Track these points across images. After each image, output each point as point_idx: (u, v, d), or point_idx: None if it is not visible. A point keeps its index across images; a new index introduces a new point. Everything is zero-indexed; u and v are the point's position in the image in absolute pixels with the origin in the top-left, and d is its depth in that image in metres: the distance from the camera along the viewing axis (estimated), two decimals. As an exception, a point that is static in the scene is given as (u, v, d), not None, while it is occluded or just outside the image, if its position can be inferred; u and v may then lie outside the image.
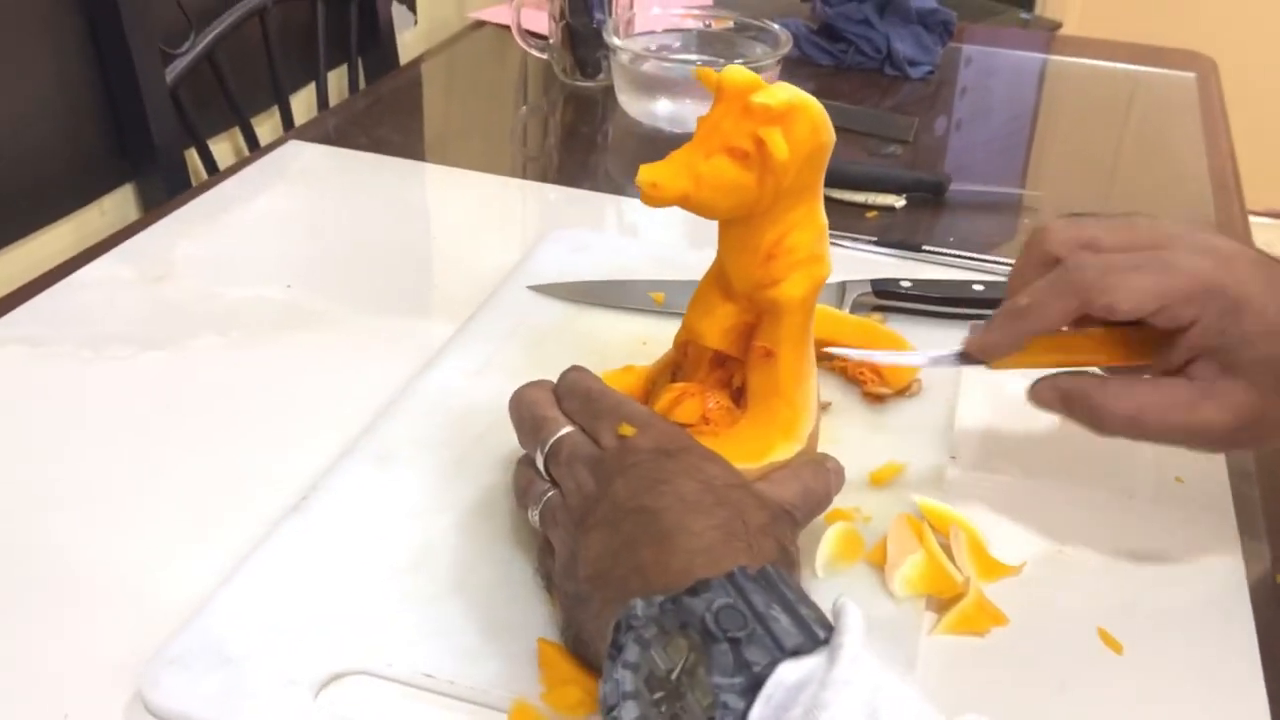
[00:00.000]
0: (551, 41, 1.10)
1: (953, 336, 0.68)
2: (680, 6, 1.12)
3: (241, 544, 0.51)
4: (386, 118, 1.05)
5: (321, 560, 0.50)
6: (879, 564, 0.50)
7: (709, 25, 1.11)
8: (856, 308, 0.70)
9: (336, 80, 1.21)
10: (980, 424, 0.62)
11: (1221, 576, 0.53)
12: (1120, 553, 0.54)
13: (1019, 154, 1.06)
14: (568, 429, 0.48)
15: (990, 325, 0.51)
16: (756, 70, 1.01)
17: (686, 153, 0.47)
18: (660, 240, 0.83)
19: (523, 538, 0.51)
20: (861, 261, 0.79)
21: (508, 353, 0.65)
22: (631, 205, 0.90)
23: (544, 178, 0.95)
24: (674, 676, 0.34)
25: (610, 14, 1.06)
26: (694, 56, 1.06)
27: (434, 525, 0.52)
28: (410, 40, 1.33)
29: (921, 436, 0.60)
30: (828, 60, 1.19)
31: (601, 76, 1.10)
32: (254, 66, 1.06)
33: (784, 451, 0.50)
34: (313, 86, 1.15)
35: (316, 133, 0.99)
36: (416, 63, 1.20)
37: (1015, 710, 0.45)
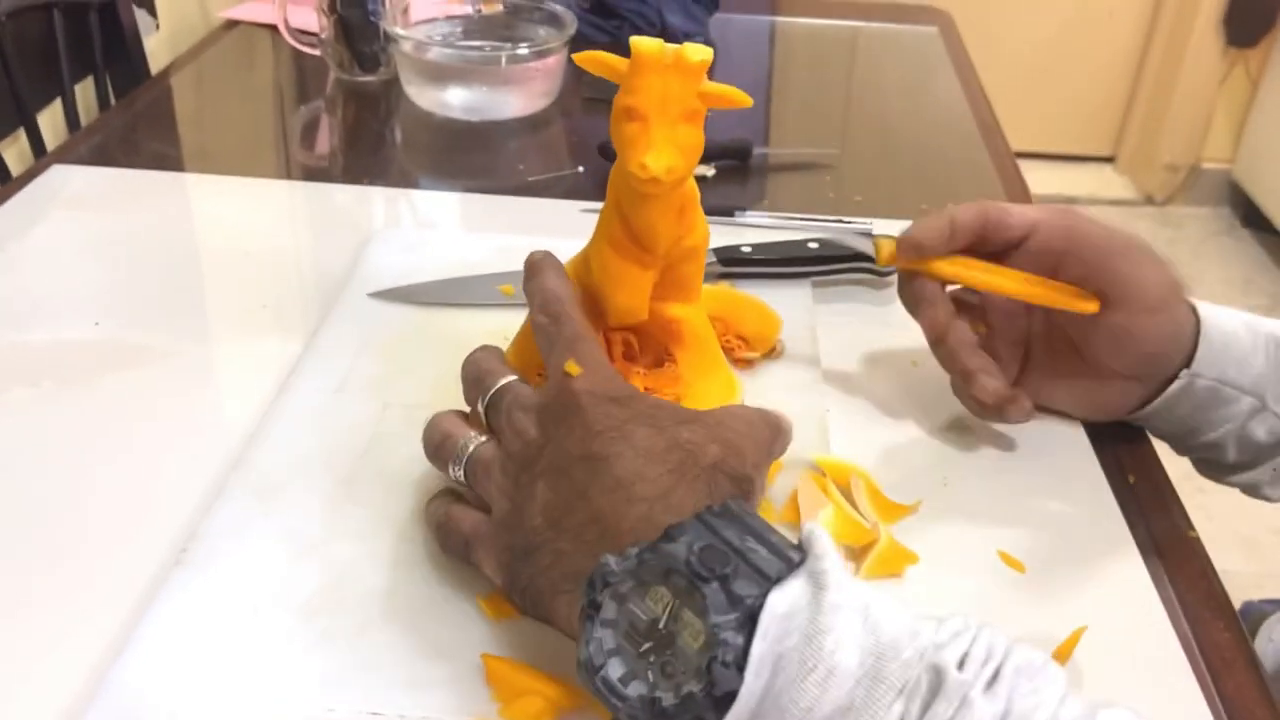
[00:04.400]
0: (323, 37, 1.05)
1: (798, 295, 0.71)
2: (444, -10, 1.10)
3: (128, 609, 0.47)
4: (153, 131, 0.97)
5: (224, 610, 0.46)
6: (793, 522, 0.52)
7: (479, 11, 1.09)
8: (706, 278, 0.70)
9: (82, 94, 1.11)
10: (842, 378, 0.64)
11: (1087, 485, 0.57)
12: (996, 477, 0.57)
13: (804, 115, 1.10)
14: (510, 378, 0.48)
15: (914, 226, 0.57)
16: (546, 53, 1.00)
17: (659, 129, 0.46)
18: (486, 230, 0.81)
19: (443, 553, 0.49)
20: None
21: (365, 365, 0.62)
22: (428, 200, 0.87)
23: (334, 178, 0.91)
24: (660, 625, 0.35)
25: (385, 3, 1.02)
26: (479, 42, 1.04)
27: (337, 556, 0.49)
28: (154, 46, 1.23)
29: (795, 395, 0.61)
30: (604, 38, 1.19)
31: (383, 70, 1.06)
32: (-8, 87, 0.95)
33: (738, 392, 0.54)
34: (58, 104, 1.04)
35: (78, 154, 0.90)
36: (170, 70, 1.11)
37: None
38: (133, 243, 0.76)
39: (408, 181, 0.91)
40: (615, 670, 0.35)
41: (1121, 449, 0.60)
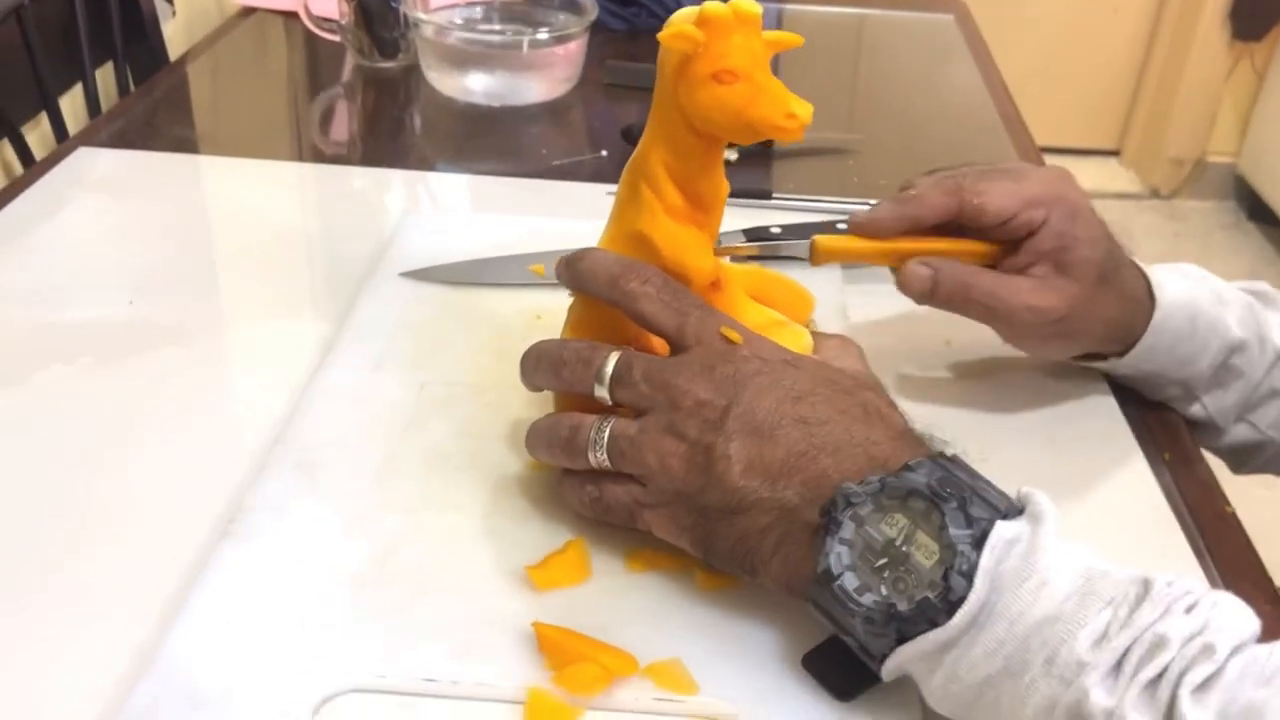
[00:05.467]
0: (343, 22, 1.05)
1: (828, 274, 0.71)
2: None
3: (176, 582, 0.47)
4: (173, 117, 0.97)
5: (274, 581, 0.46)
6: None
7: (498, -5, 1.09)
8: (735, 259, 0.71)
9: (102, 79, 1.11)
10: (874, 357, 0.64)
11: (1124, 461, 0.57)
12: (1033, 453, 0.57)
13: (823, 101, 1.10)
14: (620, 349, 0.47)
15: (878, 206, 0.56)
16: (567, 39, 1.00)
17: (770, 80, 0.47)
18: (513, 211, 0.81)
19: (488, 526, 0.50)
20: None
21: (401, 343, 0.62)
22: (445, 183, 0.87)
23: (354, 164, 0.91)
24: (898, 545, 0.39)
25: (404, -11, 1.02)
26: (499, 27, 1.04)
27: (384, 529, 0.49)
28: (171, 32, 1.23)
29: (829, 373, 0.61)
30: (620, 25, 1.19)
31: (403, 55, 1.06)
32: (16, 71, 0.95)
33: (806, 334, 0.53)
34: (79, 88, 1.05)
35: (99, 139, 0.90)
36: (188, 57, 1.11)
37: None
38: (161, 225, 0.76)
39: (428, 167, 0.91)
40: (850, 582, 0.40)
41: (1155, 425, 0.61)
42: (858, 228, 0.56)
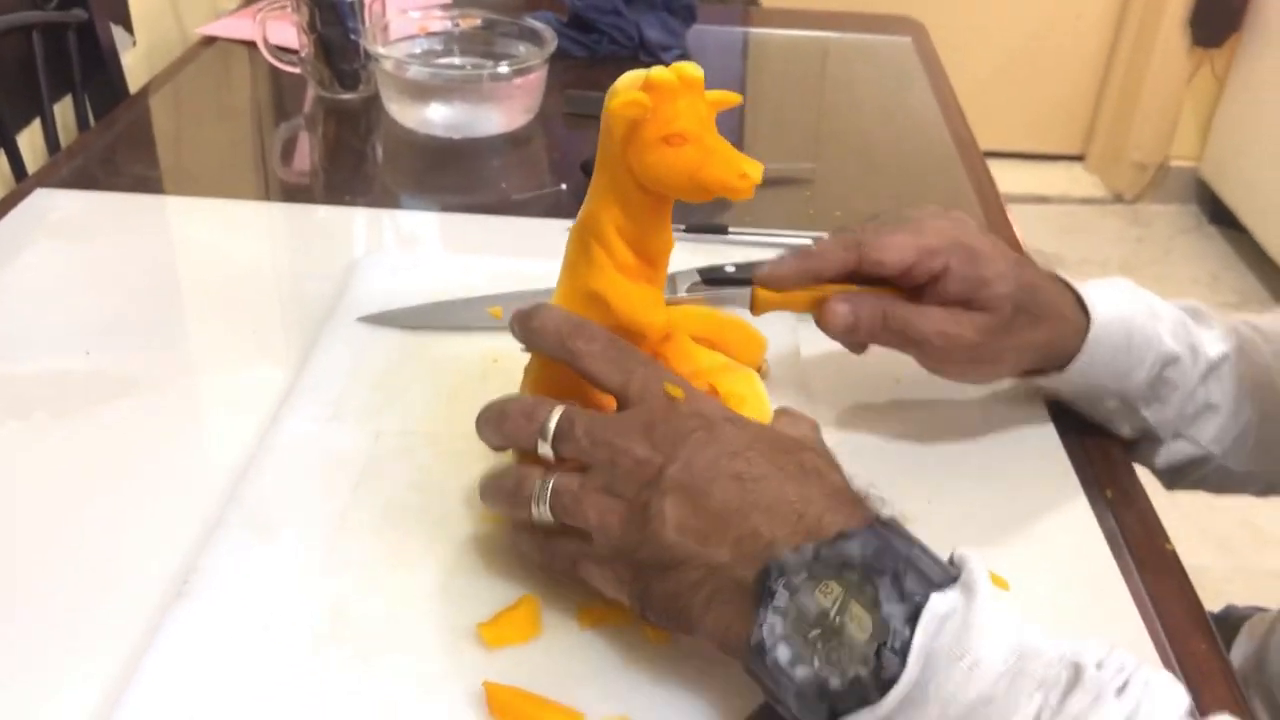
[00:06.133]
0: (303, 55, 1.05)
1: (781, 314, 0.72)
2: (418, 7, 1.10)
3: (130, 642, 0.47)
4: (134, 152, 0.97)
5: (227, 642, 0.47)
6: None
7: (457, 26, 1.10)
8: (692, 299, 0.72)
9: (61, 113, 1.10)
10: (827, 397, 0.66)
11: (1066, 501, 0.59)
12: (978, 494, 0.59)
13: (780, 129, 1.12)
14: (563, 405, 0.48)
15: (781, 260, 0.58)
16: (527, 70, 1.01)
17: (720, 142, 0.48)
18: (473, 252, 0.81)
19: (441, 582, 0.50)
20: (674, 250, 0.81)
21: (357, 392, 0.62)
22: (405, 220, 0.88)
23: (316, 197, 0.92)
24: (831, 615, 0.39)
25: (364, 22, 1.02)
26: (460, 60, 1.05)
27: (336, 587, 0.50)
28: (131, 62, 1.23)
29: (781, 415, 0.62)
30: (582, 52, 1.20)
31: (363, 87, 1.06)
32: (-28, 109, 0.95)
33: (754, 376, 0.55)
34: (37, 124, 1.04)
35: (59, 177, 0.90)
36: (149, 89, 1.11)
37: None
38: (120, 269, 0.76)
39: (390, 199, 0.92)
40: (783, 654, 0.39)
41: (1098, 464, 0.62)
42: (762, 280, 0.58)
